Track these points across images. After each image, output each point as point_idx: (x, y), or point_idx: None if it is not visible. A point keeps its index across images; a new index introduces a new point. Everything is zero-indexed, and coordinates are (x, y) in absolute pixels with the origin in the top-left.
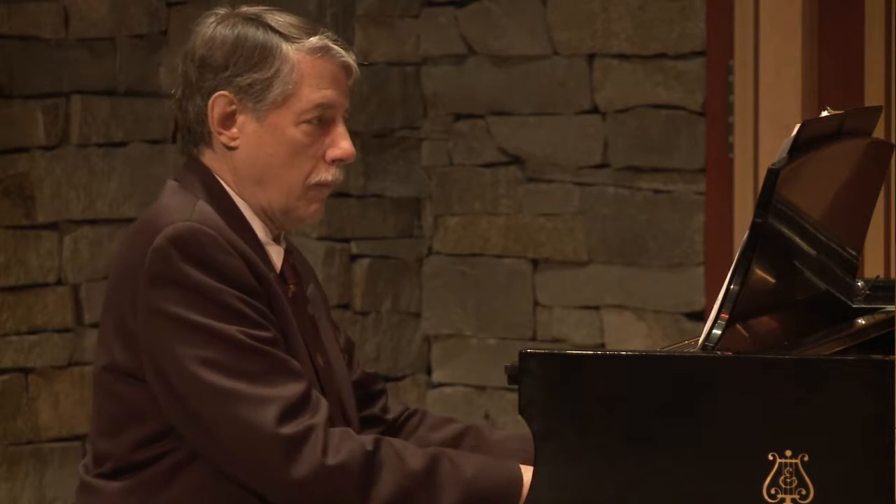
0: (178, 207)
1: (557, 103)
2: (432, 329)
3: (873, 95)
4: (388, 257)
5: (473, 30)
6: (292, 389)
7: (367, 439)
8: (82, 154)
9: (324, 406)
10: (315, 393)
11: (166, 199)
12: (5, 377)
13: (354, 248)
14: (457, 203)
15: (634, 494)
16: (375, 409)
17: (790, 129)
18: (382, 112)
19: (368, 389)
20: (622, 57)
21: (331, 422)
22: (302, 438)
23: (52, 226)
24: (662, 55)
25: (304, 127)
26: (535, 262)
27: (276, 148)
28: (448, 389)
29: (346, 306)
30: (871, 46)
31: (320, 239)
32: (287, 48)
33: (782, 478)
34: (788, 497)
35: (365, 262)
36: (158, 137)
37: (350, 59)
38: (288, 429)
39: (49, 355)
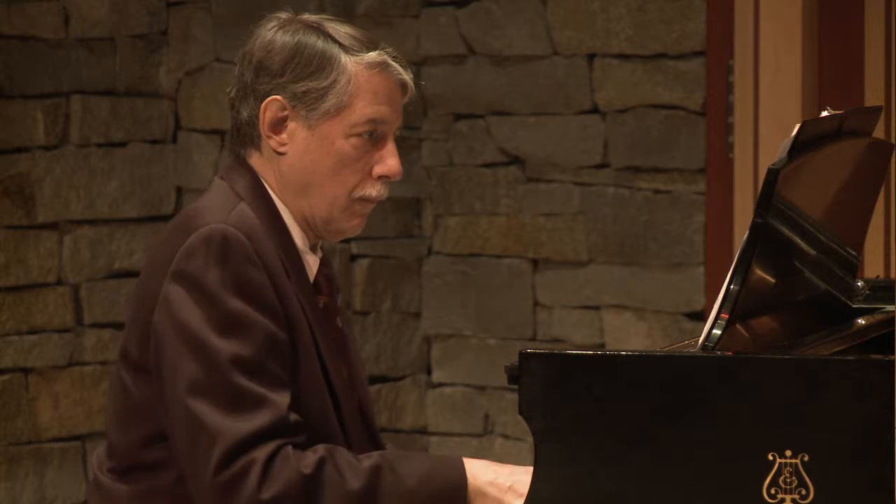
0: (218, 208)
1: (557, 103)
2: (432, 329)
3: (873, 95)
4: (388, 257)
5: (473, 30)
6: (253, 424)
7: (310, 461)
8: (82, 154)
9: (285, 438)
10: (283, 425)
11: (210, 197)
12: (5, 377)
13: (354, 248)
14: (457, 203)
15: (634, 494)
16: None
17: (790, 129)
18: None
19: None
20: (622, 57)
21: (328, 438)
22: (236, 480)
23: (52, 226)
24: (662, 55)
25: (353, 140)
26: (535, 262)
27: (323, 158)
28: (448, 389)
29: (346, 306)
30: (871, 46)
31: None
32: (346, 60)
33: (782, 478)
34: (788, 497)
35: (365, 262)
36: (158, 137)
37: (407, 76)
38: (224, 476)
39: (49, 355)
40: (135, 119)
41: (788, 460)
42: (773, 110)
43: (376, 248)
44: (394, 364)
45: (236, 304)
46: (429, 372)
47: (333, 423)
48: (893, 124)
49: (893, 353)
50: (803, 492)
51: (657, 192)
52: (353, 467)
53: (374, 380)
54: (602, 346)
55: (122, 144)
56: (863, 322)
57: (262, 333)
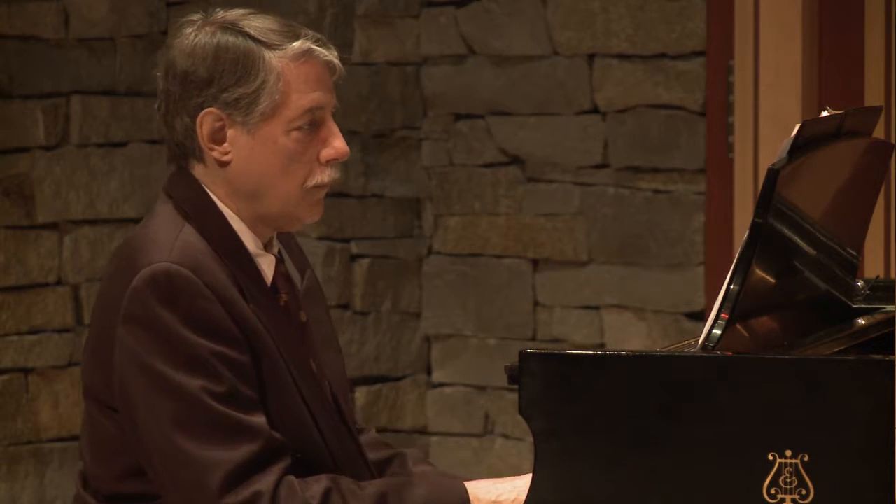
0: (162, 239)
1: (557, 103)
2: (432, 329)
3: (873, 95)
4: (388, 257)
5: (473, 30)
6: (244, 451)
7: (316, 491)
8: (82, 154)
9: (279, 463)
10: (271, 449)
11: (154, 224)
12: (5, 377)
13: (354, 248)
14: (457, 203)
15: (634, 494)
16: None
17: (790, 129)
18: (382, 112)
19: None
20: (622, 57)
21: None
22: None
23: (52, 226)
24: (662, 55)
25: (295, 134)
26: (535, 262)
27: (270, 158)
28: (448, 389)
29: (346, 306)
30: (871, 46)
31: (320, 239)
32: (270, 56)
33: (782, 478)
34: (788, 497)
35: (365, 262)
36: (158, 137)
37: (333, 56)
38: (230, 498)
39: (49, 355)
40: (135, 119)
41: (788, 460)
42: (773, 110)
43: (376, 248)
44: (394, 364)
45: (192, 339)
46: (429, 372)
47: (311, 430)
48: (893, 124)
49: (893, 353)
50: (803, 492)
51: (657, 192)
52: (358, 497)
53: (374, 380)
54: (602, 346)
55: (122, 144)
56: (863, 322)
57: (225, 362)
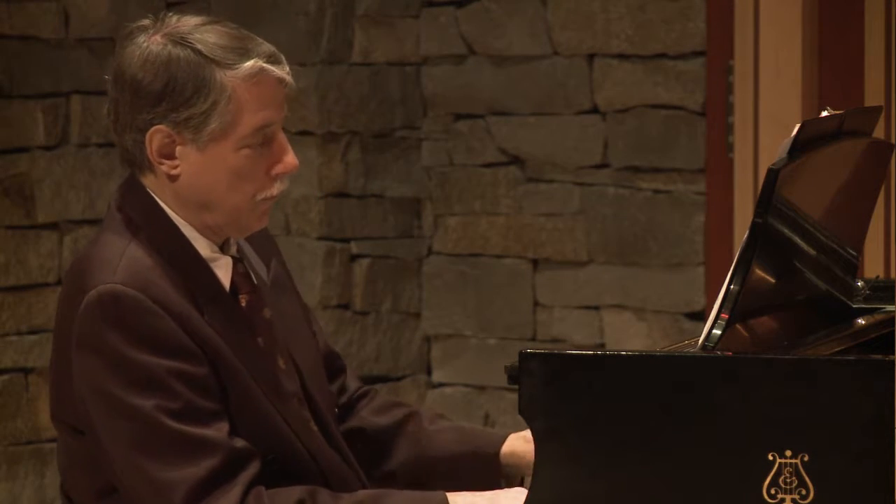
0: (107, 259)
1: (557, 103)
2: (432, 329)
3: (873, 95)
4: (388, 257)
5: (473, 30)
6: (204, 467)
7: (287, 502)
8: (82, 154)
9: (245, 474)
10: (234, 460)
11: (101, 242)
12: (5, 377)
13: (354, 248)
14: (457, 203)
15: (634, 494)
16: (332, 389)
17: (790, 129)
18: (382, 112)
19: (328, 368)
20: (622, 57)
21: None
22: None
23: (52, 226)
24: (662, 55)
25: (245, 151)
26: (535, 262)
27: (220, 176)
28: (448, 389)
29: (346, 306)
30: (871, 46)
31: (320, 239)
32: (221, 76)
33: (782, 478)
34: (788, 497)
35: (365, 262)
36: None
37: (284, 72)
38: None
39: (49, 355)
40: None
41: (788, 460)
42: (773, 110)
43: (376, 248)
44: (394, 364)
45: (143, 359)
46: (429, 372)
47: (284, 432)
48: (893, 124)
49: (893, 353)
50: (803, 492)
51: (657, 192)
52: None
53: (374, 380)
54: (602, 346)
55: None
56: (863, 322)
57: (179, 377)
